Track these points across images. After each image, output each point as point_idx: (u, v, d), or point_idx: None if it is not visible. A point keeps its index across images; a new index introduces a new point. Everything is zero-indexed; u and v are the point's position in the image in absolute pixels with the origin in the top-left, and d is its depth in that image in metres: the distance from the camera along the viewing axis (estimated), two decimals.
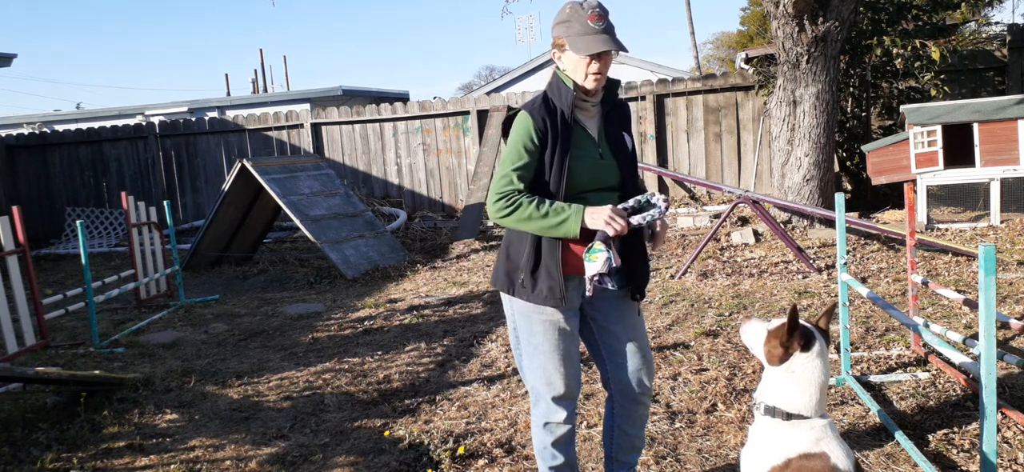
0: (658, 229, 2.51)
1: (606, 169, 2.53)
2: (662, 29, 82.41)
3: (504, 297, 2.63)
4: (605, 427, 2.78)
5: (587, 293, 2.46)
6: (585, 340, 2.71)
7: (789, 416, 2.15)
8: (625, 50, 2.42)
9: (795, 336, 2.14)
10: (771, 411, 2.17)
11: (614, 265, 2.38)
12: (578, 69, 2.44)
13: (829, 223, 7.97)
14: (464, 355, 4.92)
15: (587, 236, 2.42)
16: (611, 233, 2.38)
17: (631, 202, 2.46)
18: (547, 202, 2.42)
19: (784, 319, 2.18)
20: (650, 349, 2.68)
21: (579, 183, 2.48)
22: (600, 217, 2.38)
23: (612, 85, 2.56)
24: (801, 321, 2.16)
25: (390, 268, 8.12)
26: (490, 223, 10.17)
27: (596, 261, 2.38)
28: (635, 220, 2.42)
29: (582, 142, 2.51)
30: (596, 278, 2.39)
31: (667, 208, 2.48)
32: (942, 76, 9.55)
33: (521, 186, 2.44)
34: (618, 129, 2.60)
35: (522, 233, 2.51)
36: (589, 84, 2.45)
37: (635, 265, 2.60)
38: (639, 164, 10.52)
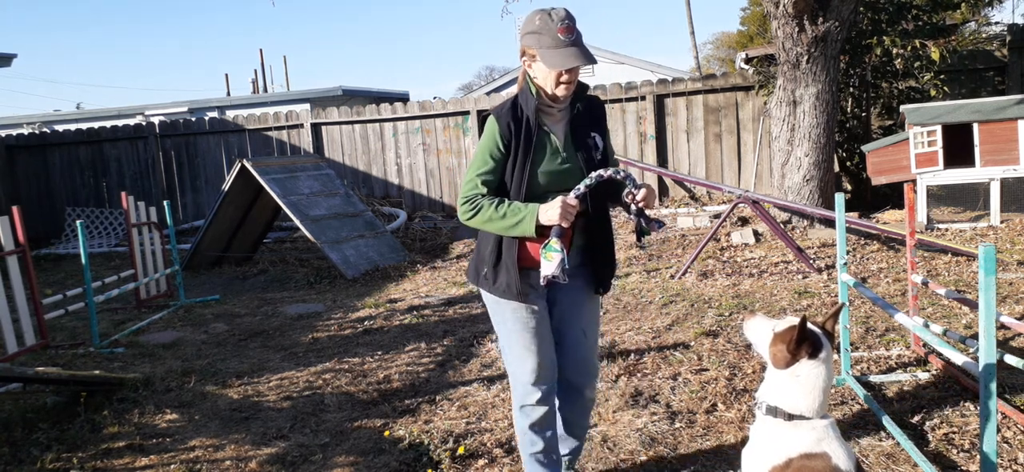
0: (629, 199, 2.58)
1: (568, 173, 2.61)
2: (662, 29, 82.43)
3: (483, 291, 2.76)
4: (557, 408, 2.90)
5: (541, 283, 2.53)
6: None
7: (791, 417, 2.15)
8: (594, 62, 2.48)
9: (804, 345, 2.14)
10: (773, 411, 2.17)
11: (566, 267, 2.46)
12: (549, 79, 2.51)
13: (829, 223, 7.97)
14: (464, 355, 4.92)
15: (546, 231, 2.48)
16: (566, 224, 2.46)
17: (582, 187, 2.51)
18: (506, 203, 2.53)
19: (791, 321, 2.17)
20: (597, 344, 2.81)
21: (540, 186, 2.58)
22: (554, 211, 2.44)
23: (581, 88, 2.62)
24: (808, 325, 2.16)
25: (390, 268, 8.12)
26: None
27: (551, 261, 2.45)
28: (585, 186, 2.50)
29: (545, 148, 2.59)
30: (550, 277, 2.46)
31: (625, 176, 2.54)
32: (942, 76, 9.55)
33: (484, 190, 2.56)
34: (587, 130, 2.67)
35: (489, 233, 2.64)
36: (560, 92, 2.53)
37: (597, 258, 2.71)
38: (639, 164, 10.37)
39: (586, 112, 2.67)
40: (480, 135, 2.63)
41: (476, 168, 2.58)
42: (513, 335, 2.68)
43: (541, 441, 2.73)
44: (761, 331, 2.26)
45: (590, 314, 2.77)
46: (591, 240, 2.70)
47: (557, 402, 2.85)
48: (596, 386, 2.86)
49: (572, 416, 2.86)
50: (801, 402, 2.14)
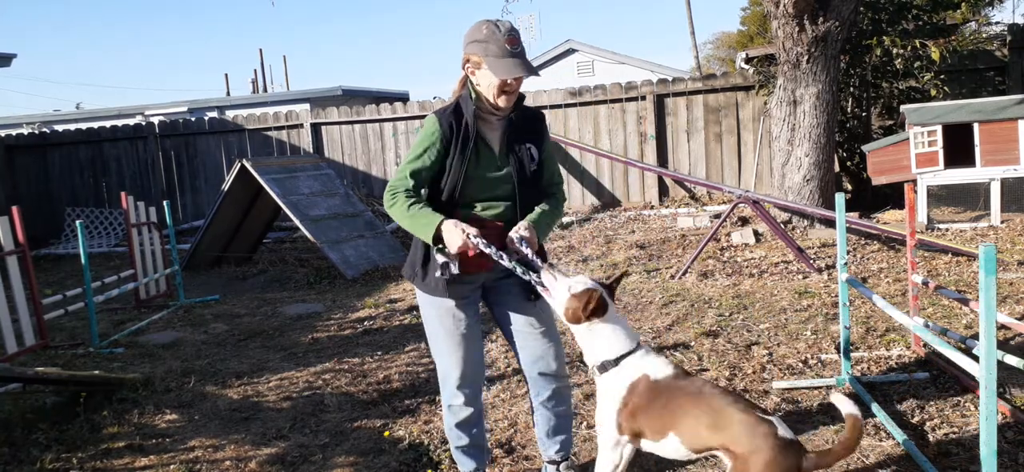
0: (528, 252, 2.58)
1: (500, 182, 2.67)
2: (662, 29, 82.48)
3: (415, 288, 2.83)
4: (531, 409, 2.99)
5: (436, 274, 2.63)
6: (499, 328, 2.92)
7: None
8: (537, 74, 2.59)
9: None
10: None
11: (453, 271, 2.59)
12: (492, 88, 2.56)
13: (829, 223, 7.97)
14: None
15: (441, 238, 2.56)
16: (453, 254, 2.52)
17: (492, 251, 2.50)
18: (419, 205, 2.56)
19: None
20: (556, 333, 2.84)
21: (471, 192, 2.64)
22: (455, 241, 2.48)
23: (519, 99, 2.68)
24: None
25: (390, 268, 8.11)
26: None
27: (437, 261, 2.61)
28: (493, 254, 2.50)
29: (481, 154, 2.65)
30: (437, 271, 2.62)
31: (531, 274, 2.55)
32: (942, 76, 9.55)
33: (411, 184, 2.59)
34: (523, 141, 2.72)
35: (399, 224, 2.69)
36: (501, 102, 2.59)
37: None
38: (639, 164, 10.37)
39: (522, 123, 2.73)
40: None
41: (409, 161, 2.61)
42: (441, 337, 2.77)
43: (466, 437, 2.90)
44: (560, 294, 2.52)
45: (540, 307, 2.80)
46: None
47: (533, 400, 2.92)
48: (566, 373, 2.90)
49: (551, 408, 2.89)
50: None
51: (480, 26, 2.55)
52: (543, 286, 2.55)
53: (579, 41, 20.58)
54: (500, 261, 2.52)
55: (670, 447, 2.36)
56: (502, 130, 2.69)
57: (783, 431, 2.16)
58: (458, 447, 2.93)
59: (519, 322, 2.80)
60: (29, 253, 5.27)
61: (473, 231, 2.49)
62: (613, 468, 2.50)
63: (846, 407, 2.21)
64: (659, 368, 2.44)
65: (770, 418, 2.20)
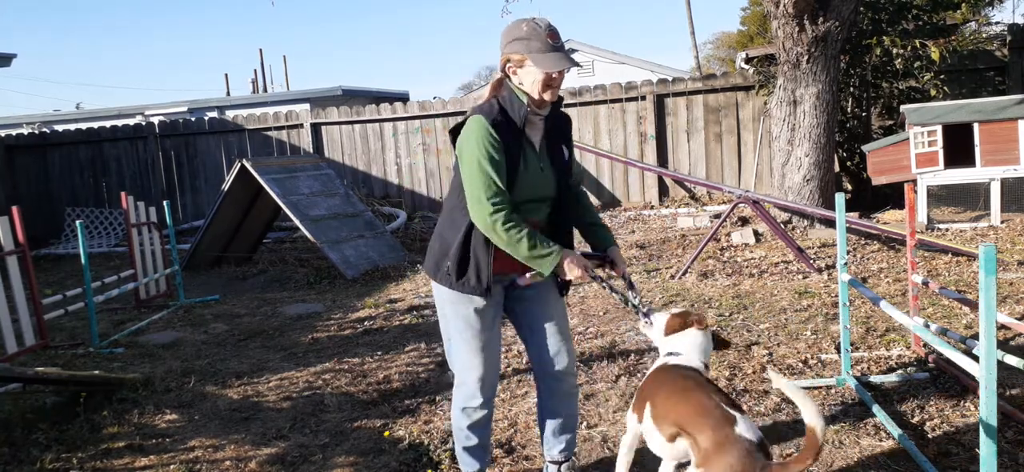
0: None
1: (545, 181, 2.69)
2: (662, 29, 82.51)
3: (434, 285, 2.78)
4: (537, 408, 2.98)
5: (521, 282, 2.69)
6: (513, 323, 2.93)
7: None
8: (579, 66, 2.65)
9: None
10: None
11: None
12: (536, 84, 2.57)
13: (829, 223, 7.97)
14: None
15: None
16: (573, 279, 2.64)
17: (602, 277, 2.73)
18: (530, 237, 2.52)
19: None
20: (569, 333, 2.88)
21: (520, 193, 2.62)
22: (575, 272, 2.58)
23: (556, 100, 2.71)
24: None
25: (390, 268, 8.11)
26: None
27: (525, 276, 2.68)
28: (607, 286, 2.71)
29: (528, 154, 2.65)
30: (522, 281, 2.70)
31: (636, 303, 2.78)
32: (942, 76, 9.55)
33: (505, 196, 2.53)
34: (557, 141, 2.76)
35: (456, 224, 2.65)
36: (547, 96, 2.60)
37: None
38: (639, 164, 10.39)
39: (558, 124, 2.77)
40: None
41: (490, 167, 2.49)
42: (466, 339, 2.74)
43: (476, 438, 2.89)
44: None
45: (557, 306, 2.85)
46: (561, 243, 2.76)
47: (542, 399, 2.93)
48: (576, 374, 2.92)
49: (559, 407, 2.90)
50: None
51: (519, 24, 2.56)
52: (647, 321, 2.77)
53: (579, 41, 20.57)
54: (613, 295, 2.73)
55: (648, 427, 2.46)
56: (542, 130, 2.71)
57: (743, 430, 2.12)
58: (465, 448, 2.91)
59: (541, 320, 2.81)
60: (29, 253, 5.27)
61: (590, 264, 2.63)
62: (629, 449, 2.67)
63: (810, 418, 2.07)
64: (680, 360, 2.58)
65: (734, 414, 2.18)
